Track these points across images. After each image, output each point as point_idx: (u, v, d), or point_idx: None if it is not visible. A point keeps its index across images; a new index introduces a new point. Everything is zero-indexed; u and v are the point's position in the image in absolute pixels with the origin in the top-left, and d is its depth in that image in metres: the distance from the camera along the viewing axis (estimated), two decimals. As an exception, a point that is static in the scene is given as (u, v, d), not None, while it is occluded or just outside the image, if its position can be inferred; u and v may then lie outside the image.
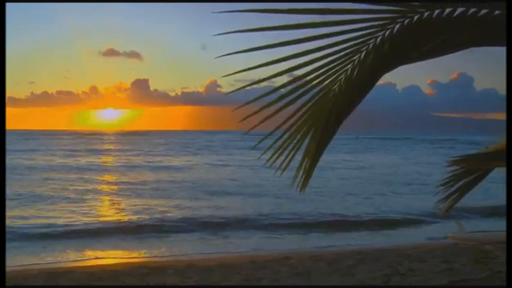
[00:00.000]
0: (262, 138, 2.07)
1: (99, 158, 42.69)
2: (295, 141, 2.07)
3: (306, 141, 2.09)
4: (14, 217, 13.99)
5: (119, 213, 16.07)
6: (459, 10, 1.82)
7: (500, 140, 3.15)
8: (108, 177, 27.46)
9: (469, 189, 3.64)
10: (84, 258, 10.37)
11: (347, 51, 1.90)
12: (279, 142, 2.07)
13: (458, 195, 3.68)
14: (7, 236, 10.97)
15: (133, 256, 10.74)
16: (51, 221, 14.06)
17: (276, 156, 2.09)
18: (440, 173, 3.82)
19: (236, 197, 19.56)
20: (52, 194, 19.58)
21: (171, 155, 46.66)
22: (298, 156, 2.11)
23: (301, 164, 2.12)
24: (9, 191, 17.99)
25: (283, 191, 18.08)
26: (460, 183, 3.61)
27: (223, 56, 1.95)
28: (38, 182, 23.36)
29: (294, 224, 14.13)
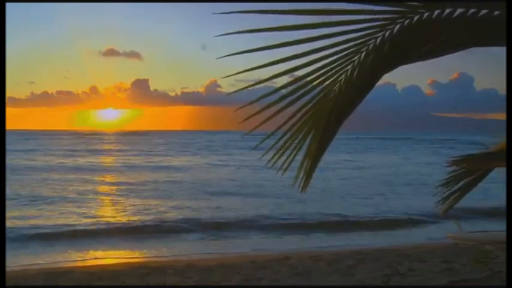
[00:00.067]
0: (264, 139, 2.07)
1: (99, 158, 42.68)
2: (296, 141, 2.08)
3: (307, 142, 2.09)
4: (14, 217, 14.00)
5: (118, 213, 16.07)
6: (459, 10, 1.82)
7: (500, 140, 3.15)
8: (108, 178, 27.46)
9: (469, 189, 3.65)
10: (84, 258, 10.38)
11: (347, 51, 1.91)
12: (280, 142, 2.07)
13: (459, 196, 3.68)
14: (7, 236, 10.98)
15: (133, 256, 10.75)
16: (51, 221, 14.07)
17: (277, 156, 2.09)
18: (440, 173, 3.83)
19: (236, 197, 19.56)
20: (52, 194, 19.58)
21: (171, 155, 46.67)
22: (299, 157, 2.11)
23: (302, 165, 2.12)
24: (9, 191, 17.98)
25: (283, 191, 18.09)
26: (460, 183, 3.61)
27: (223, 57, 1.96)
28: (38, 182, 23.36)
29: (294, 224, 14.15)
